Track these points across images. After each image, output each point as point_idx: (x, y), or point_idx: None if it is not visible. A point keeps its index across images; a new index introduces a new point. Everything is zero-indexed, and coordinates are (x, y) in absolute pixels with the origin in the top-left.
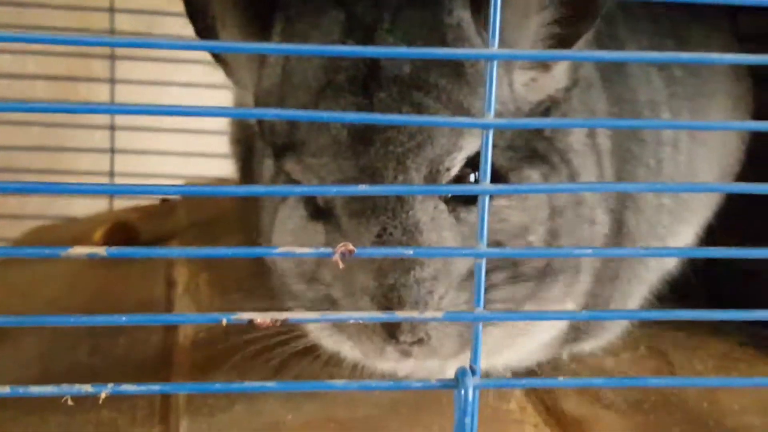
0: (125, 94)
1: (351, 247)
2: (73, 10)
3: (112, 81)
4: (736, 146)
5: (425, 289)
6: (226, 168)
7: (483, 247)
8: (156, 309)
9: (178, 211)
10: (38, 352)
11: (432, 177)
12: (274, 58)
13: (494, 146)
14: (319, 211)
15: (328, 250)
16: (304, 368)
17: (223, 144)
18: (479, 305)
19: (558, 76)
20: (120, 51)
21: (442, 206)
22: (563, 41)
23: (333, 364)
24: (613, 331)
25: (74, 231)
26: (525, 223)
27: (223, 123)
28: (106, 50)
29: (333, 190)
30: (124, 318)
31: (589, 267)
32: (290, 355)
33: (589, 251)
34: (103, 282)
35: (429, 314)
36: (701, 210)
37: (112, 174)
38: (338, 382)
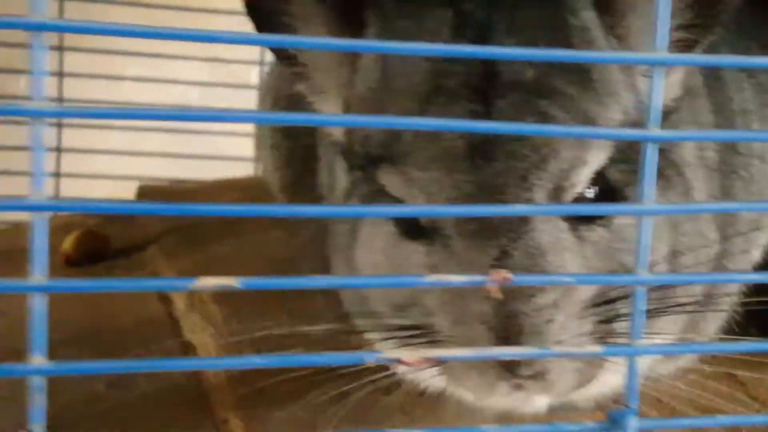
0: (74, 89)
1: (508, 274)
2: None
3: (61, 74)
4: None
5: (545, 318)
6: (181, 168)
7: (644, 273)
8: (159, 329)
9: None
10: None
11: (556, 194)
12: (372, 61)
13: (610, 159)
14: (414, 228)
15: (481, 278)
16: (388, 405)
17: (177, 143)
18: (638, 337)
19: (674, 85)
20: (69, 41)
21: (563, 225)
22: (686, 47)
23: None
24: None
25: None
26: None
27: (179, 122)
28: (54, 41)
29: (475, 210)
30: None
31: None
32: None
33: (755, 276)
34: (85, 298)
35: (586, 349)
36: None
37: (57, 175)
38: (486, 428)
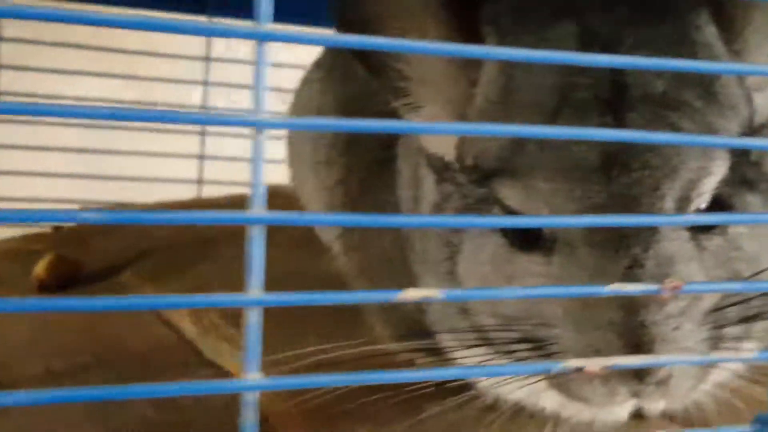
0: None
1: (678, 282)
2: None
3: None
4: None
5: (673, 326)
6: (120, 190)
7: None
8: (177, 353)
9: (124, 236)
10: (86, 410)
11: (683, 204)
12: (493, 75)
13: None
14: (528, 239)
15: (656, 286)
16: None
17: (114, 165)
18: None
19: None
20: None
21: (686, 234)
22: None
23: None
24: None
25: None
26: (756, 251)
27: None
28: None
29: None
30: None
31: None
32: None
33: None
34: (78, 323)
35: (738, 354)
36: None
37: None
38: None
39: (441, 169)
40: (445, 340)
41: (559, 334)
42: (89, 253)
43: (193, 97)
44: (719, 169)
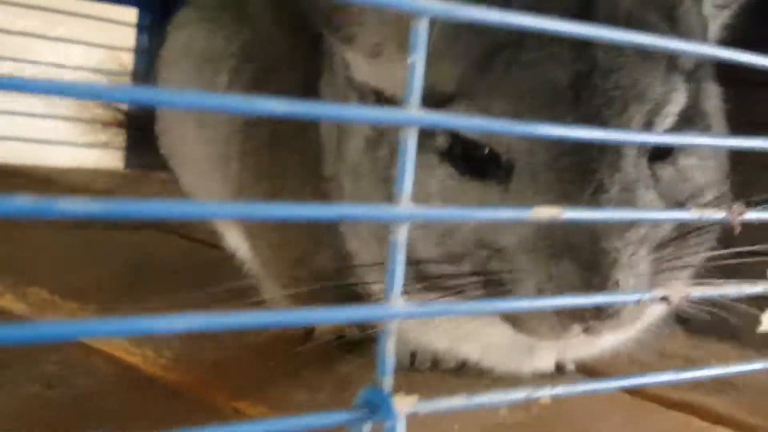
0: None
1: (744, 208)
2: None
3: None
4: None
5: (631, 253)
6: None
7: None
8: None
9: None
10: None
11: (646, 128)
12: None
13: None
14: (481, 166)
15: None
16: None
17: None
18: None
19: None
20: None
21: (644, 161)
22: None
23: None
24: None
25: None
26: (702, 184)
27: None
28: None
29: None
30: None
31: None
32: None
33: None
34: None
35: None
36: None
37: None
38: None
39: (374, 103)
40: (372, 279)
41: (516, 264)
42: None
43: None
44: (680, 98)
